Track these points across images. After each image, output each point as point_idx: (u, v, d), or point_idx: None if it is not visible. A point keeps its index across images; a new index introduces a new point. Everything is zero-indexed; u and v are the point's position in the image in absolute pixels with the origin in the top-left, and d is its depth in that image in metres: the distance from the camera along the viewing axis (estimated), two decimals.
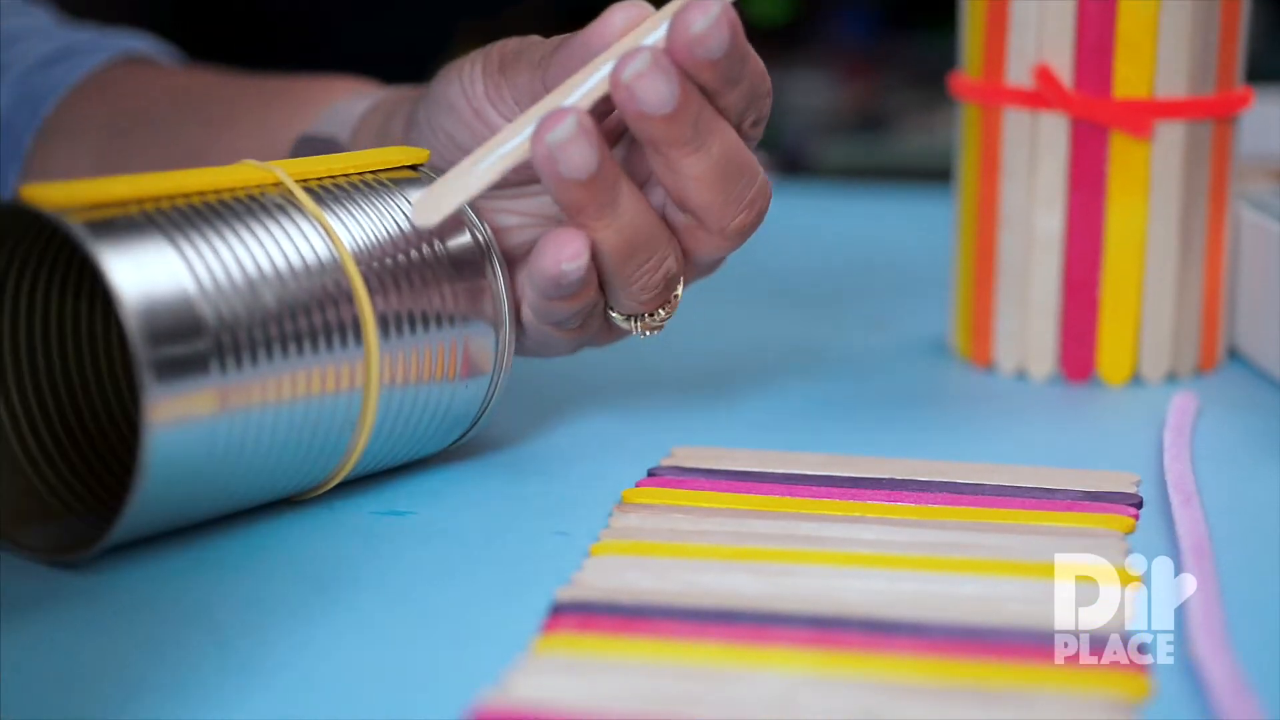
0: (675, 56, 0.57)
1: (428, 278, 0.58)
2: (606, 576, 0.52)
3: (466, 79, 0.61)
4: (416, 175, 0.60)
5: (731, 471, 0.60)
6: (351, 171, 0.59)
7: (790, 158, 1.95)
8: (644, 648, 0.48)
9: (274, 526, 0.57)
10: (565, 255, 0.58)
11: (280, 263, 0.54)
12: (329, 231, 0.56)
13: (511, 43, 0.62)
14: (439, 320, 0.58)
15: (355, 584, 0.53)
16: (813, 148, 1.99)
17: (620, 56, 0.57)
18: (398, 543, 0.56)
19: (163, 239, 0.52)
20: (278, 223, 0.55)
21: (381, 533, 0.57)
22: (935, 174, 1.11)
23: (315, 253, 0.55)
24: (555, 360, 0.65)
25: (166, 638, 0.49)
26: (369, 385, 0.56)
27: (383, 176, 0.59)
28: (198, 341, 0.52)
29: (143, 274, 0.51)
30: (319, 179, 0.58)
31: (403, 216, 0.58)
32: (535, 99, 0.60)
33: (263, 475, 0.55)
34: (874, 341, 0.79)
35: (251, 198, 0.55)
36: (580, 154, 0.56)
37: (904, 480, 0.60)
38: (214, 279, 0.53)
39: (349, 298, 0.56)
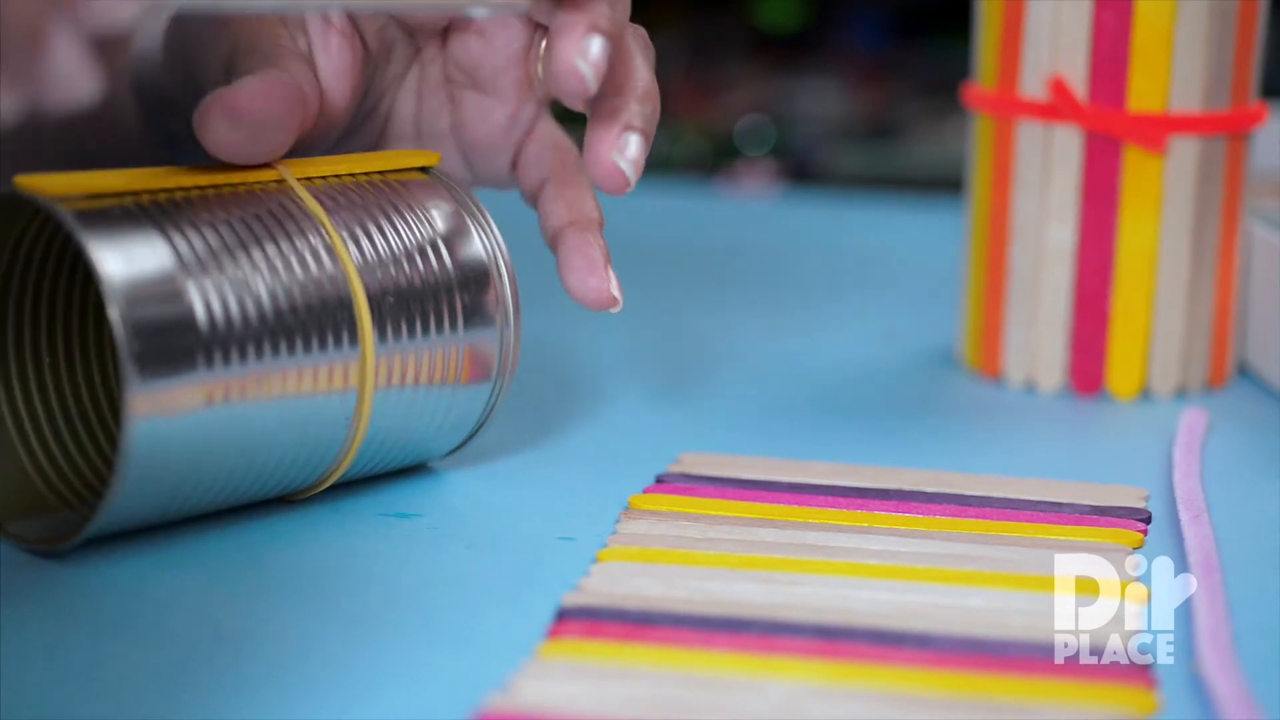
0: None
1: (431, 281, 0.58)
2: (613, 583, 0.52)
3: None
4: (425, 178, 0.60)
5: (739, 479, 0.60)
6: (359, 172, 0.59)
7: (800, 165, 1.96)
8: (650, 654, 0.48)
9: (278, 527, 0.57)
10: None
11: (277, 260, 0.54)
12: (329, 230, 0.56)
13: None
14: (440, 324, 0.58)
15: (360, 586, 0.53)
16: (823, 155, 1.99)
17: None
18: (404, 545, 0.56)
19: (155, 231, 0.52)
20: (278, 221, 0.55)
21: (387, 535, 0.57)
22: (946, 183, 1.11)
23: (313, 251, 0.55)
24: (562, 364, 0.64)
25: (169, 637, 0.49)
26: (364, 387, 0.56)
27: (390, 178, 0.59)
28: (185, 335, 0.52)
29: (131, 265, 0.51)
30: (323, 178, 0.58)
31: (408, 218, 0.58)
32: None
33: (251, 472, 0.54)
34: (882, 351, 0.79)
35: (251, 193, 0.55)
36: None
37: (911, 491, 0.60)
38: (206, 273, 0.52)
39: (346, 298, 0.55)
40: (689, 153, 1.99)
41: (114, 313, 0.51)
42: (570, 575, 0.53)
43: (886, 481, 0.60)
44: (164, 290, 0.52)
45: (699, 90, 2.13)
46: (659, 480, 0.61)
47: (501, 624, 0.50)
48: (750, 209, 1.17)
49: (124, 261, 0.51)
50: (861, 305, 0.87)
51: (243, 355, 0.53)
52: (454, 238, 0.59)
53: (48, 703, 0.46)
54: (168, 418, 0.51)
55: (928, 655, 0.48)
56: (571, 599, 0.51)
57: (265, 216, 0.55)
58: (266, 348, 0.53)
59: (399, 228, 0.58)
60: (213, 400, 0.52)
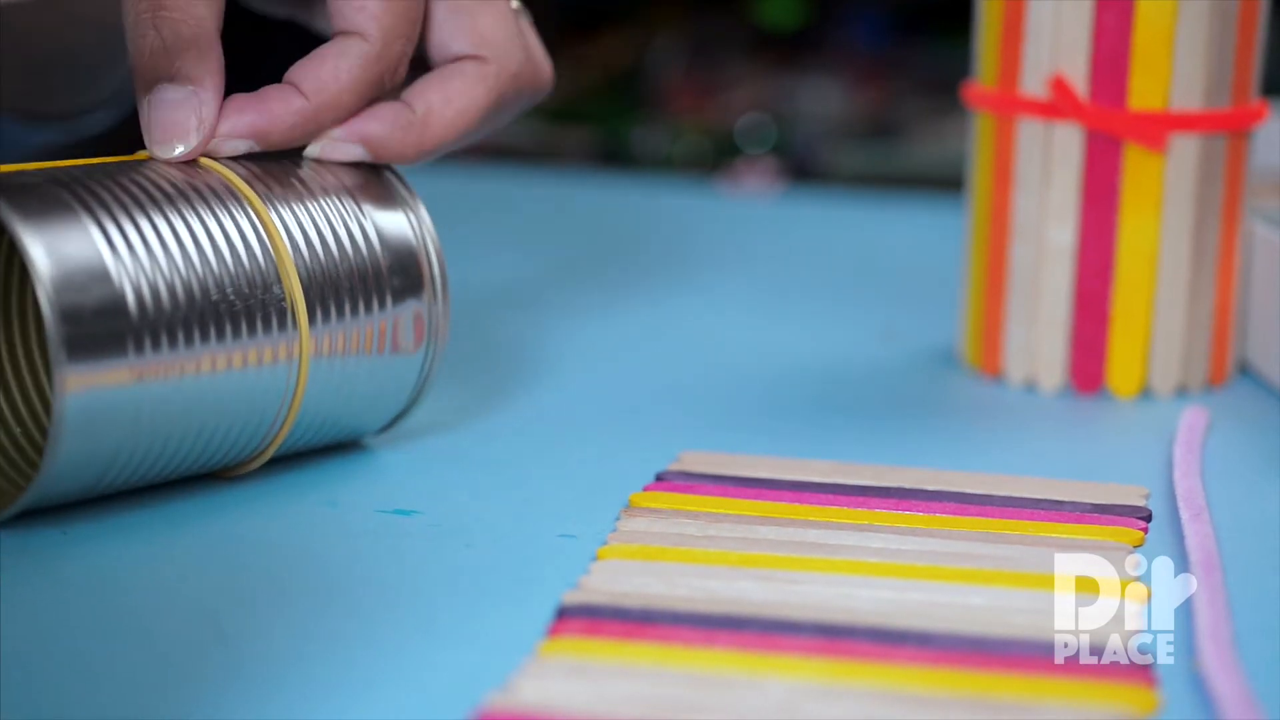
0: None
1: (360, 260, 0.58)
2: (613, 581, 0.52)
3: None
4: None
5: (739, 477, 0.60)
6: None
7: (801, 164, 1.96)
8: (650, 653, 0.48)
9: (278, 525, 0.57)
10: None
11: (206, 243, 0.55)
12: (260, 213, 0.56)
13: None
14: (370, 302, 0.58)
15: (360, 584, 0.53)
16: (824, 154, 1.99)
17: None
18: (403, 543, 0.56)
19: (84, 214, 0.53)
20: (206, 202, 0.55)
21: (387, 532, 0.57)
22: (947, 182, 1.11)
23: (243, 233, 0.56)
24: (562, 362, 0.65)
25: (169, 637, 0.49)
26: (301, 361, 0.57)
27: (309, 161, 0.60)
28: (115, 319, 0.52)
29: (61, 249, 0.52)
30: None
31: (336, 199, 0.58)
32: None
33: (185, 445, 0.55)
34: (883, 350, 0.79)
35: (181, 177, 0.56)
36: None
37: (912, 489, 0.60)
38: (133, 255, 0.53)
39: (277, 277, 0.56)
40: (689, 151, 1.99)
41: (44, 297, 0.51)
42: (570, 573, 0.53)
43: (887, 480, 0.60)
44: (94, 274, 0.52)
45: (699, 89, 2.13)
46: (659, 478, 0.61)
47: (501, 622, 0.50)
48: (751, 208, 1.17)
49: (53, 245, 0.52)
50: (861, 305, 0.87)
51: (172, 339, 0.53)
52: (381, 217, 0.59)
53: (48, 703, 0.46)
54: (99, 392, 0.52)
55: (928, 653, 0.48)
56: (572, 597, 0.51)
57: (194, 197, 0.55)
58: (195, 330, 0.54)
59: (326, 208, 0.58)
60: (144, 379, 0.53)
